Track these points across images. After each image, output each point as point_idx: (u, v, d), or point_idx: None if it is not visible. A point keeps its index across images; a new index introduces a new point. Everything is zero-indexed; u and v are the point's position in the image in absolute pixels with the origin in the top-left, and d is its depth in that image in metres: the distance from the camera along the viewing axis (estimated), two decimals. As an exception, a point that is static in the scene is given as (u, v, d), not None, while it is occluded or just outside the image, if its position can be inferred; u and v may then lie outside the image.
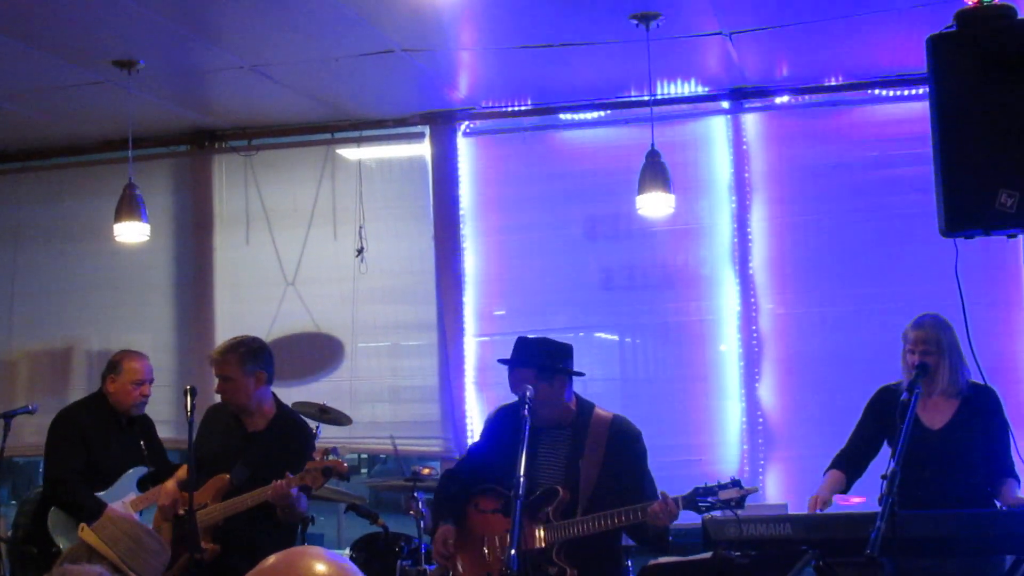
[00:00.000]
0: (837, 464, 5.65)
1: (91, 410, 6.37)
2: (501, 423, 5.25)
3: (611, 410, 5.23)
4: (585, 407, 5.12)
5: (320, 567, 1.69)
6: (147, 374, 6.38)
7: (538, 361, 5.03)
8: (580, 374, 5.15)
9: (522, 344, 5.15)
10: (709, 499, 4.70)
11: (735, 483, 4.73)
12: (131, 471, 6.25)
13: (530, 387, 4.82)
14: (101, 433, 6.31)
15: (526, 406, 4.72)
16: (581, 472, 4.93)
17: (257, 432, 5.64)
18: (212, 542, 5.31)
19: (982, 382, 5.37)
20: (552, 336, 5.23)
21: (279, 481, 5.31)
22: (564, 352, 5.11)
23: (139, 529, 3.85)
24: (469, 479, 5.22)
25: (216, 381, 5.66)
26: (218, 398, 5.79)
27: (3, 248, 8.81)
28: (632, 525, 4.84)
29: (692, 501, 4.72)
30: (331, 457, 5.37)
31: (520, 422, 4.86)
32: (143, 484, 6.21)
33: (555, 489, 4.91)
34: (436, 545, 5.05)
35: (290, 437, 5.72)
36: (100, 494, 6.14)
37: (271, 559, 1.73)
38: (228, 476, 5.44)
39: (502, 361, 5.13)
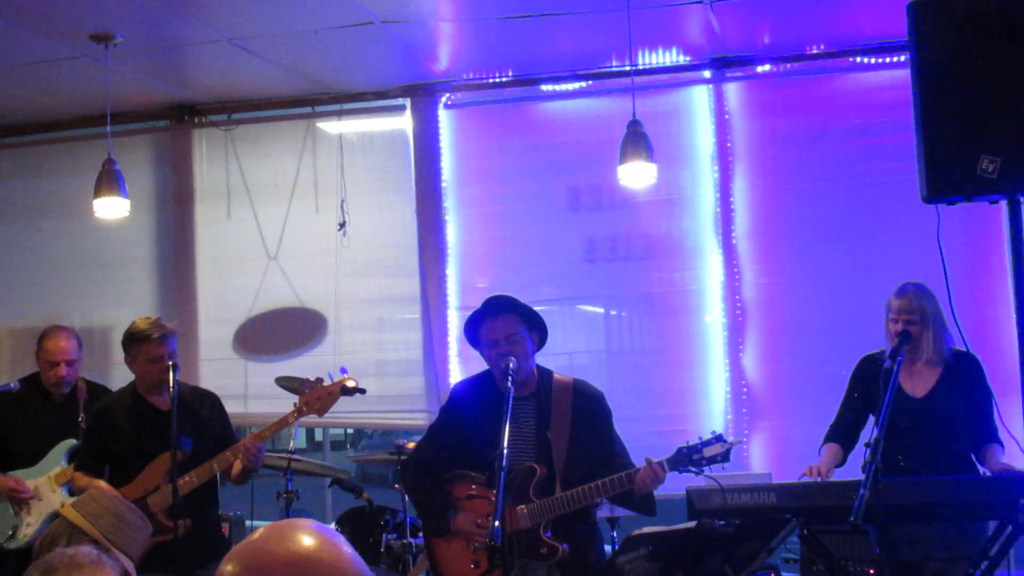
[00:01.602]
0: (831, 437, 5.64)
1: (24, 391, 6.36)
2: (462, 398, 5.23)
3: (596, 381, 5.24)
4: (544, 373, 5.12)
5: (308, 540, 1.67)
6: (61, 355, 6.28)
7: (524, 310, 5.04)
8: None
9: (499, 297, 5.13)
10: (694, 456, 4.72)
11: (718, 438, 4.77)
12: (59, 445, 6.24)
13: (513, 359, 4.81)
14: (23, 413, 6.33)
15: (510, 377, 4.72)
16: (552, 444, 4.93)
17: (170, 409, 5.37)
18: (167, 521, 5.23)
19: (965, 349, 5.39)
20: (535, 309, 5.20)
21: (277, 420, 5.41)
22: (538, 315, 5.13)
23: (121, 505, 3.84)
24: (437, 465, 5.16)
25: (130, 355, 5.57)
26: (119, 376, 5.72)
27: (-18, 226, 8.77)
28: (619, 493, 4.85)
29: (678, 462, 4.75)
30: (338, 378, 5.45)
31: (486, 391, 4.89)
32: (74, 456, 6.21)
33: (532, 467, 4.89)
34: (475, 534, 4.90)
35: (205, 402, 5.73)
36: (24, 471, 6.18)
37: (259, 531, 1.72)
38: (168, 455, 5.25)
39: (481, 314, 5.08)
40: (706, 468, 4.76)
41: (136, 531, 3.78)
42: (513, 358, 4.83)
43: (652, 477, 4.73)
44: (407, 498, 6.53)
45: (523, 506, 4.84)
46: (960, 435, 5.41)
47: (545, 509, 4.83)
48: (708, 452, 4.73)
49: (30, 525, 6.17)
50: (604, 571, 5.01)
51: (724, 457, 4.74)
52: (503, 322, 4.97)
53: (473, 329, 5.11)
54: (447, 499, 5.03)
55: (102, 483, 5.42)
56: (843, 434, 5.62)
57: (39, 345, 6.35)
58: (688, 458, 4.74)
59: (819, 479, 5.31)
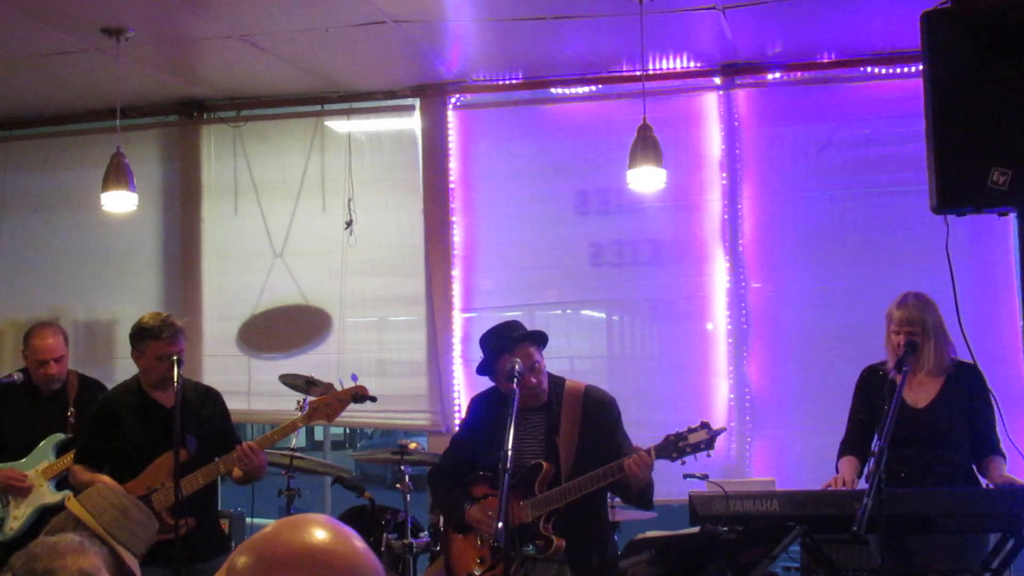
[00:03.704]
0: (847, 451, 5.60)
1: (11, 384, 6.37)
2: (478, 409, 5.40)
3: (600, 387, 5.31)
4: (556, 383, 5.23)
5: (321, 533, 1.68)
6: (49, 353, 6.27)
7: (537, 336, 5.19)
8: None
9: (508, 327, 5.24)
10: (679, 444, 4.80)
11: (704, 426, 4.87)
12: (48, 439, 6.24)
13: (518, 361, 4.90)
14: (11, 406, 6.34)
15: (515, 379, 4.82)
16: (560, 447, 5.05)
17: (175, 406, 5.29)
18: (170, 519, 5.18)
19: (967, 360, 5.36)
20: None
21: (284, 425, 5.42)
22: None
23: (126, 500, 3.84)
24: (457, 471, 5.33)
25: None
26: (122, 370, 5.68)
27: (-11, 217, 8.78)
28: (616, 484, 4.93)
29: (664, 449, 4.83)
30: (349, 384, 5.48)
31: (499, 402, 5.00)
32: (63, 450, 6.22)
33: (539, 464, 5.03)
34: (483, 523, 5.05)
35: (208, 400, 5.71)
36: (12, 464, 6.19)
37: (272, 524, 1.73)
38: (171, 453, 5.18)
39: (496, 350, 5.15)
40: (690, 455, 4.83)
41: (140, 527, 3.78)
42: (519, 360, 4.96)
43: (640, 463, 4.80)
44: (408, 497, 6.59)
45: (525, 500, 4.96)
46: (962, 446, 5.39)
47: (545, 502, 4.95)
48: (693, 439, 4.84)
49: (17, 519, 6.16)
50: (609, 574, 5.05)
51: (708, 444, 4.84)
52: (523, 354, 5.06)
53: (488, 364, 5.24)
54: (465, 496, 5.19)
55: (106, 478, 5.38)
56: (856, 447, 5.56)
57: (25, 344, 6.35)
58: (674, 445, 4.84)
59: (844, 488, 5.28)
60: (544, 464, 5.01)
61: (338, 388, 5.59)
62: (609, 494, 5.36)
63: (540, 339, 5.19)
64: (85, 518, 3.68)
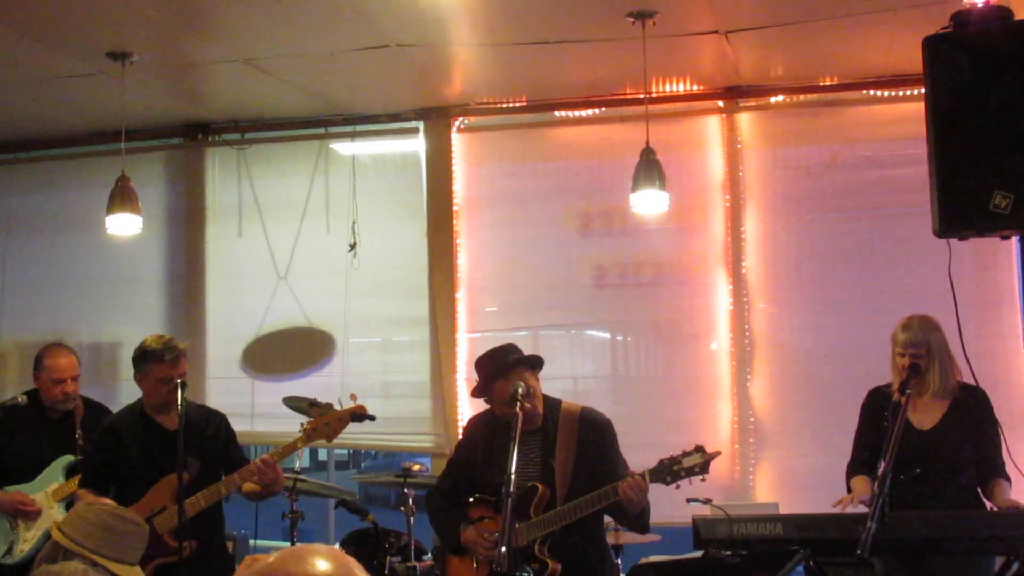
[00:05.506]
0: (857, 471, 5.60)
1: (16, 407, 6.37)
2: (474, 431, 5.37)
3: (601, 407, 5.30)
4: (552, 405, 5.21)
5: (323, 564, 1.68)
6: (68, 371, 6.33)
7: (533, 360, 5.17)
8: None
9: (504, 351, 5.21)
10: (674, 468, 4.79)
11: (698, 449, 4.84)
12: (57, 461, 6.25)
13: (522, 384, 4.90)
14: (19, 428, 6.33)
15: (518, 403, 4.82)
16: (555, 470, 5.03)
17: (178, 428, 5.28)
18: (173, 542, 5.20)
19: (972, 383, 5.36)
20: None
21: (285, 445, 5.42)
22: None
23: (106, 514, 3.83)
24: (454, 493, 5.32)
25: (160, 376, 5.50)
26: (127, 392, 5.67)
27: (-6, 239, 8.80)
28: (612, 508, 4.92)
29: (659, 473, 4.81)
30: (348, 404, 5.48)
31: (495, 425, 5.02)
32: (72, 472, 6.22)
33: (535, 487, 5.00)
34: (478, 545, 5.04)
35: (212, 422, 5.71)
36: (21, 486, 6.17)
37: (274, 555, 1.73)
38: (174, 476, 5.18)
39: (492, 374, 5.13)
40: (684, 478, 4.81)
41: (127, 537, 3.79)
42: (522, 383, 4.95)
43: (634, 487, 4.79)
44: (411, 519, 6.57)
45: (519, 523, 4.93)
46: (966, 469, 5.38)
47: (539, 526, 4.93)
48: (687, 463, 4.81)
49: (27, 541, 6.16)
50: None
51: (703, 468, 4.81)
52: (519, 378, 5.04)
53: (483, 388, 5.20)
54: (462, 518, 5.17)
55: (107, 501, 5.36)
56: (865, 468, 5.54)
57: (39, 365, 6.36)
58: (668, 469, 4.81)
59: (855, 504, 5.26)
60: (539, 487, 4.99)
61: (337, 408, 5.59)
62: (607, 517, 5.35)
63: (536, 363, 5.17)
64: (70, 546, 3.69)
